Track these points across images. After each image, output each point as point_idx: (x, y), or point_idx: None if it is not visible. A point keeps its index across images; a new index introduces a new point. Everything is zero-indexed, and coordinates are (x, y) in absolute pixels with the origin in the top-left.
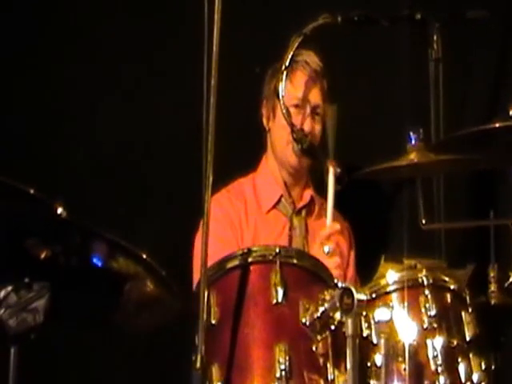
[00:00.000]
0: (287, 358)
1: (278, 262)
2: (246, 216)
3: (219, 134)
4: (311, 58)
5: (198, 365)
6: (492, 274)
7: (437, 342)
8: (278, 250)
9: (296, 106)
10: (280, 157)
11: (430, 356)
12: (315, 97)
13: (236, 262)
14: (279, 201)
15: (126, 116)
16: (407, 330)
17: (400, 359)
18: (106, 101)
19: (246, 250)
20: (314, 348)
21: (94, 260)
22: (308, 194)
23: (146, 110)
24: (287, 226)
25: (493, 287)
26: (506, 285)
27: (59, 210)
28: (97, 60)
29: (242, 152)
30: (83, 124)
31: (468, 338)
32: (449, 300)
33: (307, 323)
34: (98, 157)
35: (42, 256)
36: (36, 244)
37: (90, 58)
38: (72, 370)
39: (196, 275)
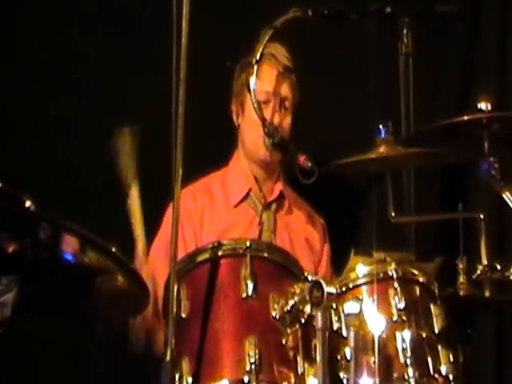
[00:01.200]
0: (257, 351)
1: (248, 256)
2: (213, 211)
3: (192, 128)
4: (277, 50)
5: (168, 358)
6: (461, 266)
7: (406, 335)
8: (248, 244)
9: (264, 100)
10: (250, 151)
11: (399, 348)
12: (283, 89)
13: (206, 256)
14: (248, 195)
15: (94, 109)
16: (376, 323)
17: (369, 352)
18: (74, 94)
19: (216, 244)
20: (283, 341)
21: (64, 254)
22: (278, 188)
23: (115, 103)
24: (256, 220)
25: (461, 279)
26: (474, 277)
27: (27, 204)
28: (65, 55)
29: (214, 146)
30: (51, 118)
31: (436, 331)
32: (418, 293)
33: (277, 317)
34: (67, 151)
35: (10, 250)
36: (4, 237)
37: (56, 51)
38: (42, 364)
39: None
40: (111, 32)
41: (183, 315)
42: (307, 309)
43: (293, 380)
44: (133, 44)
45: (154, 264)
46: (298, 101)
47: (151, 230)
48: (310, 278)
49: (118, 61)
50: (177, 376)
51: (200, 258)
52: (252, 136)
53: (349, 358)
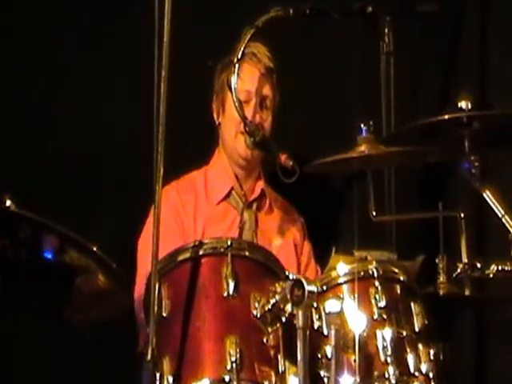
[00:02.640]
0: (238, 350)
1: (229, 255)
2: (196, 209)
3: (172, 126)
4: (259, 50)
5: (149, 357)
6: (441, 265)
7: (386, 333)
8: (229, 243)
9: (245, 99)
10: (230, 149)
11: (380, 347)
12: (264, 88)
13: (187, 255)
14: (229, 193)
15: (76, 108)
16: (357, 322)
17: (350, 350)
18: (57, 93)
19: (197, 243)
20: (264, 340)
21: (45, 253)
22: (259, 187)
23: (97, 102)
24: (237, 218)
25: (441, 278)
26: (454, 275)
27: (8, 203)
28: (46, 54)
29: (196, 145)
30: (32, 116)
31: (417, 329)
32: (398, 291)
33: (258, 315)
34: (47, 149)
35: None
36: None
37: (38, 49)
38: (21, 363)
39: (141, 269)
40: (94, 30)
41: (164, 314)
42: (288, 307)
43: (273, 379)
44: (115, 42)
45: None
46: (278, 101)
47: (134, 231)
48: (291, 276)
49: (100, 59)
50: (157, 375)
51: (181, 257)
52: (231, 133)
53: (329, 356)
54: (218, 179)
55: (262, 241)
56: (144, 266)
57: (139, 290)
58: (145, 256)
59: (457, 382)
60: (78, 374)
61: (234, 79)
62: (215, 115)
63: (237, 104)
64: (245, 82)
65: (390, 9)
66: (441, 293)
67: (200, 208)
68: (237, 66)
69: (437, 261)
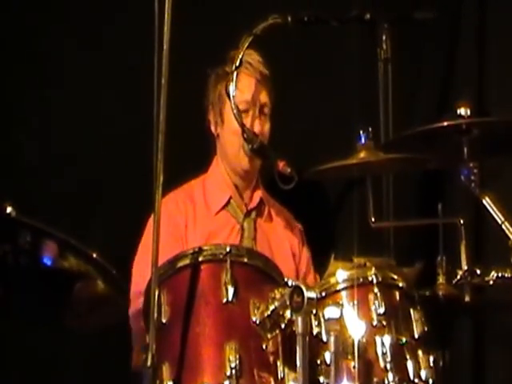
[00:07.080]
0: (237, 356)
1: (228, 261)
2: (195, 218)
3: (171, 134)
4: (252, 57)
5: (149, 363)
6: (440, 266)
7: (386, 340)
8: (228, 249)
9: (244, 109)
10: (232, 161)
11: (379, 353)
12: (262, 96)
13: (187, 261)
14: (228, 202)
15: (75, 115)
16: (356, 328)
17: (349, 357)
18: (56, 99)
19: (196, 249)
20: (264, 346)
21: (44, 259)
22: (257, 195)
23: (96, 108)
24: (236, 227)
25: (441, 279)
26: (454, 282)
27: (8, 210)
28: (46, 56)
29: (197, 152)
30: (32, 122)
31: (416, 335)
32: (397, 298)
33: (257, 322)
34: (47, 156)
35: None
36: None
37: (38, 52)
38: (21, 368)
39: (134, 287)
40: (94, 37)
41: (164, 320)
42: (287, 314)
43: None
44: (114, 49)
45: (142, 272)
46: (273, 104)
47: (133, 237)
48: (290, 283)
49: (99, 66)
50: (157, 381)
51: (180, 264)
52: (233, 146)
53: (329, 362)
54: (217, 189)
55: (260, 248)
56: (137, 284)
57: (133, 306)
58: (139, 274)
59: None
60: (77, 379)
61: (232, 87)
62: (212, 127)
63: (235, 111)
64: (243, 93)
65: (387, 16)
66: (440, 294)
67: (199, 218)
68: (235, 73)
69: (437, 260)
